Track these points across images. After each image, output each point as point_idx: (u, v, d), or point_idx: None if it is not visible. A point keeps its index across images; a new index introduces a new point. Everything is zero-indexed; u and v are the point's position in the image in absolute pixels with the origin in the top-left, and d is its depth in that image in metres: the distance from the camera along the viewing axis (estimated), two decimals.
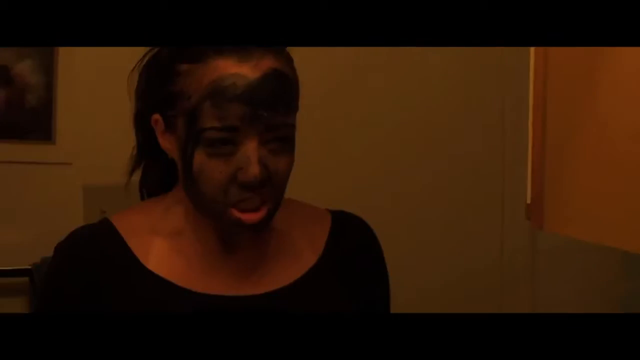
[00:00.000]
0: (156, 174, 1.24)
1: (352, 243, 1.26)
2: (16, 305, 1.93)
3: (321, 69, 2.06)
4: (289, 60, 1.13)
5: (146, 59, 1.18)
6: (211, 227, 1.16)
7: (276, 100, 1.07)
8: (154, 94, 1.15)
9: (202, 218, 1.15)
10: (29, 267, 1.90)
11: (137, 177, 1.27)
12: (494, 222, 2.33)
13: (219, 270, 1.17)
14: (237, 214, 1.09)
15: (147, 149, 1.21)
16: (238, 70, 1.06)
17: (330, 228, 1.26)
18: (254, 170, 1.06)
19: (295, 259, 1.21)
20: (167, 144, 1.14)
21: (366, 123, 2.21)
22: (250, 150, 1.06)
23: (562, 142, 1.36)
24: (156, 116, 1.14)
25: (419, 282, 2.21)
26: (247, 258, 1.18)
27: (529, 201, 1.45)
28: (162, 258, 1.16)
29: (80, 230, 1.20)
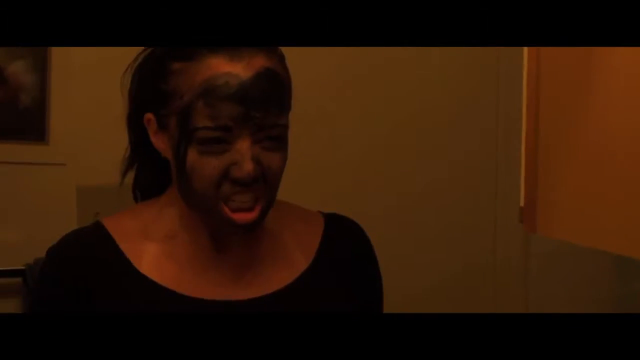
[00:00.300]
0: (149, 175, 1.24)
1: (344, 246, 1.26)
2: (9, 306, 1.93)
3: (318, 72, 2.06)
4: (281, 59, 1.13)
5: (139, 60, 1.18)
6: (204, 229, 1.16)
7: (269, 100, 1.07)
8: (147, 94, 1.15)
9: (195, 220, 1.15)
10: (22, 267, 1.89)
11: (130, 178, 1.27)
12: (487, 225, 2.34)
13: (211, 274, 1.16)
14: (229, 213, 1.09)
15: (140, 150, 1.21)
16: (231, 69, 1.06)
17: (323, 231, 1.26)
18: (248, 166, 1.06)
19: (288, 262, 1.21)
20: (160, 143, 1.14)
21: (360, 126, 2.21)
22: (244, 148, 1.07)
23: (555, 146, 1.36)
24: (149, 115, 1.14)
25: (412, 284, 2.21)
26: (239, 260, 1.18)
27: (522, 204, 1.45)
28: (155, 262, 1.16)
29: (72, 233, 1.20)
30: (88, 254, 1.15)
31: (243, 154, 1.06)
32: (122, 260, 1.15)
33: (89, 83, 1.94)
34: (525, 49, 1.42)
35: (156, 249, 1.16)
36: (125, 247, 1.16)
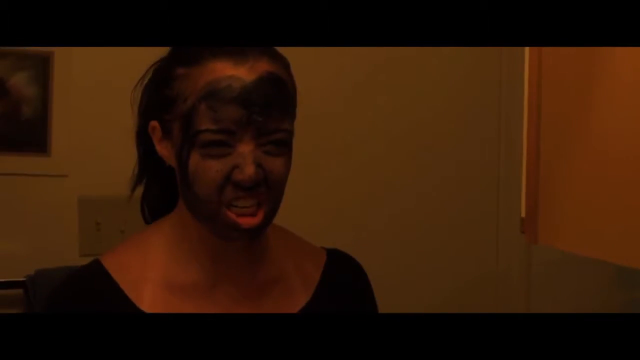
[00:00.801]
0: (157, 189, 1.23)
1: (344, 282, 1.26)
2: None
3: (318, 80, 2.06)
4: (286, 65, 1.13)
5: (148, 75, 1.18)
6: (205, 254, 1.16)
7: (271, 105, 1.07)
8: (152, 102, 1.15)
9: (197, 244, 1.15)
10: (24, 279, 1.89)
11: (138, 191, 1.26)
12: (488, 236, 2.34)
13: (211, 307, 1.15)
14: (233, 217, 1.09)
15: (148, 164, 1.21)
16: (234, 72, 1.06)
17: (324, 267, 1.26)
18: (249, 169, 1.06)
19: (288, 296, 1.20)
20: (165, 150, 1.14)
21: (362, 138, 2.21)
22: (246, 152, 1.06)
23: (556, 156, 1.36)
24: (153, 123, 1.14)
25: (414, 296, 2.21)
26: (240, 289, 1.17)
27: (523, 214, 1.45)
28: (155, 298, 1.14)
29: (71, 279, 1.18)
30: (89, 300, 1.14)
31: (245, 157, 1.06)
32: (123, 300, 1.13)
33: (91, 95, 1.95)
34: (527, 55, 1.42)
35: (156, 285, 1.15)
36: (126, 285, 1.14)
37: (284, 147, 1.10)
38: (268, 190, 1.09)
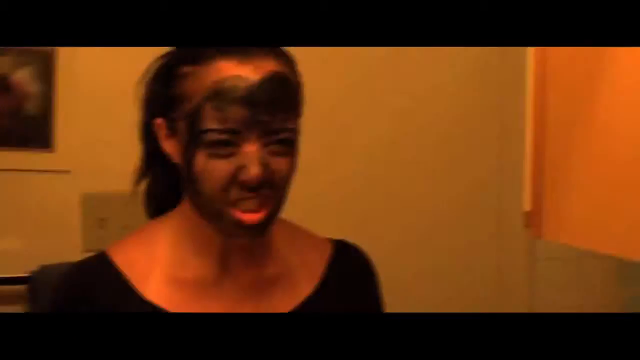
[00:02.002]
0: (162, 185, 1.23)
1: (349, 275, 1.26)
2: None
3: (318, 81, 2.05)
4: (292, 63, 1.13)
5: (152, 70, 1.18)
6: (210, 249, 1.16)
7: (276, 104, 1.07)
8: (158, 99, 1.15)
9: (202, 239, 1.15)
10: (27, 275, 1.89)
11: (141, 186, 1.26)
12: (492, 230, 2.33)
13: (216, 300, 1.16)
14: (238, 214, 1.09)
15: (152, 159, 1.21)
16: (239, 72, 1.06)
17: (329, 258, 1.26)
18: (255, 169, 1.06)
19: (292, 288, 1.21)
20: (170, 147, 1.14)
21: (362, 137, 2.21)
22: (252, 152, 1.07)
23: (560, 151, 1.36)
24: (159, 120, 1.14)
25: (416, 291, 2.21)
26: (244, 286, 1.18)
27: (528, 209, 1.45)
28: (161, 290, 1.15)
29: (77, 270, 1.18)
30: (96, 292, 1.14)
31: (251, 157, 1.06)
32: (130, 293, 1.14)
33: (94, 91, 1.95)
34: (532, 52, 1.42)
35: (162, 276, 1.15)
36: (133, 279, 1.15)
37: (289, 146, 1.10)
38: (273, 190, 1.10)
